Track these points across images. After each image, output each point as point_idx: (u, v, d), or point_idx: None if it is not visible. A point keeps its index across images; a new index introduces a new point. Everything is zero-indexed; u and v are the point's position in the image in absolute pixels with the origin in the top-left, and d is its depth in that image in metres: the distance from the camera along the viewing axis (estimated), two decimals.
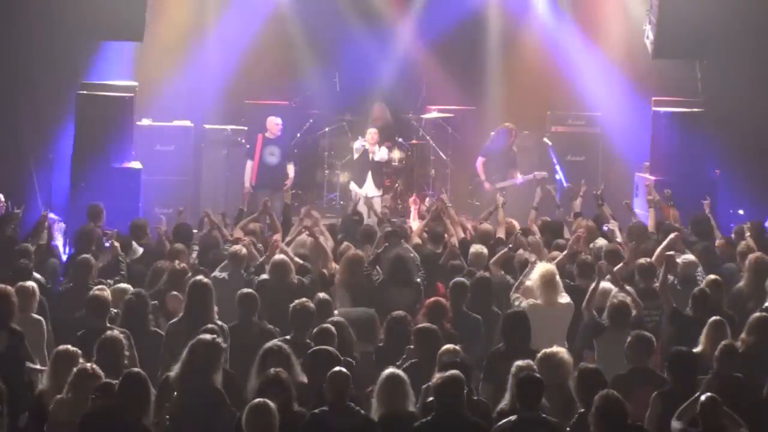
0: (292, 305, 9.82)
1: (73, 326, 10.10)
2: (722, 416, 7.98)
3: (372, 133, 18.01)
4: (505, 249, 11.95)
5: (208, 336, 8.58)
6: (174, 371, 8.44)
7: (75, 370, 8.25)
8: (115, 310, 10.18)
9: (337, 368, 8.13)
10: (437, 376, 8.10)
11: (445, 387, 7.95)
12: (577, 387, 8.48)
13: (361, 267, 11.32)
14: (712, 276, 11.26)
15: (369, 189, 17.63)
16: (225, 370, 8.96)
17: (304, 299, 9.92)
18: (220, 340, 8.58)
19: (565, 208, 14.95)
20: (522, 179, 17.58)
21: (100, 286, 10.54)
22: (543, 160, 18.38)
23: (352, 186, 17.93)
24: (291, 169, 17.77)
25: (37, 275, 11.26)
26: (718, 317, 9.94)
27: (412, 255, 11.96)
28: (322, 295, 10.50)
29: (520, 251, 12.08)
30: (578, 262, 11.64)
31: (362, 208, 15.41)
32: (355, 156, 18.11)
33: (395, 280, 11.33)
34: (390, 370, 8.31)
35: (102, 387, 8.07)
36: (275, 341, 8.84)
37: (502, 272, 11.75)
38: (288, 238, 12.52)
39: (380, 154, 18.05)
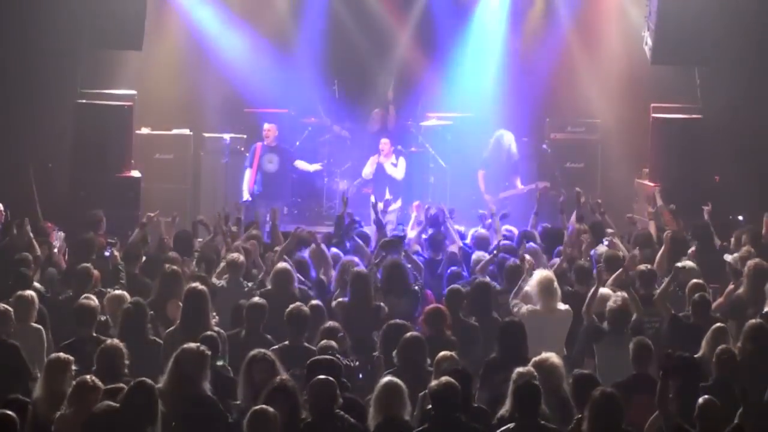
0: (287, 310, 9.88)
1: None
2: (720, 420, 8.00)
3: (384, 143, 17.77)
4: (492, 256, 11.95)
5: (192, 345, 8.60)
6: (161, 382, 8.44)
7: (74, 383, 8.22)
8: (104, 317, 10.20)
9: (319, 377, 8.12)
10: (433, 383, 8.11)
11: (440, 393, 7.96)
12: (573, 392, 8.48)
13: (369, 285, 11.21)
14: (695, 280, 11.27)
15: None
16: (224, 376, 9.03)
17: (298, 303, 9.93)
18: (204, 347, 8.58)
19: (567, 214, 14.88)
20: (524, 189, 17.55)
21: (85, 295, 10.53)
22: (542, 167, 18.38)
23: (373, 200, 17.66)
24: (302, 164, 17.84)
25: (36, 284, 11.25)
26: (721, 324, 9.94)
27: (411, 263, 11.93)
28: (315, 301, 10.49)
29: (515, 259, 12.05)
30: (576, 267, 11.65)
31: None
32: (372, 172, 17.83)
33: (392, 288, 11.31)
34: (388, 378, 8.31)
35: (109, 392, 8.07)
36: (259, 349, 8.84)
37: (487, 278, 11.70)
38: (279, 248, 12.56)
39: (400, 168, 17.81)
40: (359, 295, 10.93)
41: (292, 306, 9.92)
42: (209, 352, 8.57)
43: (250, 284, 11.54)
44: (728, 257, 12.30)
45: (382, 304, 10.97)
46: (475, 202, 18.14)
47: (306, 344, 9.74)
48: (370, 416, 8.16)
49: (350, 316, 10.63)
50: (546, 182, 17.60)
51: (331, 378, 8.09)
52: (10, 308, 9.80)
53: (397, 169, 17.71)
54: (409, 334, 9.35)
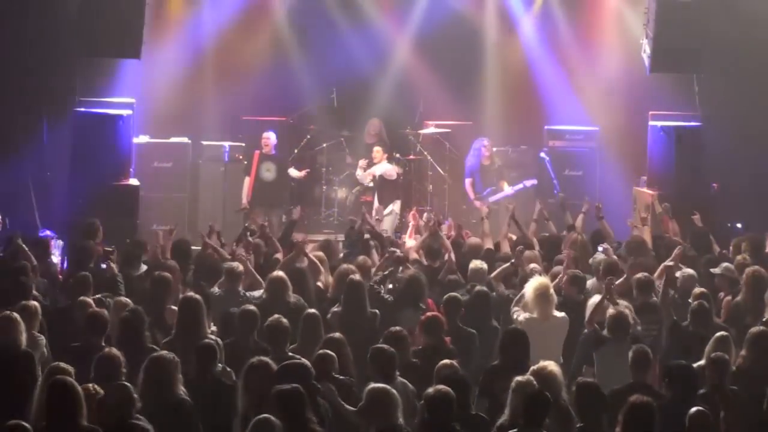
0: (266, 323, 9.81)
1: (70, 344, 10.07)
2: (712, 430, 8.00)
3: (376, 151, 17.89)
4: (507, 264, 11.93)
5: (163, 351, 8.67)
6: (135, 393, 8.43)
7: None
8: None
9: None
10: (429, 390, 8.09)
11: (435, 400, 7.95)
12: (575, 401, 8.46)
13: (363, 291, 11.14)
14: (700, 288, 11.24)
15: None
16: (221, 381, 9.04)
17: (277, 316, 9.87)
18: (173, 355, 8.59)
19: (560, 220, 14.86)
20: (513, 190, 17.69)
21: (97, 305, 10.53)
22: (540, 175, 18.40)
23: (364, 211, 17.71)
24: (292, 172, 17.91)
25: (35, 293, 11.23)
26: (724, 333, 9.89)
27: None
28: (311, 311, 10.45)
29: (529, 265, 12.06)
30: (571, 276, 11.61)
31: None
32: (370, 183, 17.99)
33: (409, 300, 11.27)
34: (372, 385, 8.27)
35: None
36: (257, 357, 8.82)
37: (503, 287, 11.74)
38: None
39: (381, 168, 17.93)
40: (355, 304, 10.87)
41: (271, 318, 9.84)
42: (178, 360, 8.58)
43: (249, 294, 11.51)
44: (715, 270, 12.19)
45: (377, 311, 10.94)
46: (466, 211, 18.24)
47: (291, 354, 9.62)
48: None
49: (346, 325, 10.58)
50: (533, 180, 17.70)
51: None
52: (19, 317, 9.77)
53: (382, 167, 17.83)
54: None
